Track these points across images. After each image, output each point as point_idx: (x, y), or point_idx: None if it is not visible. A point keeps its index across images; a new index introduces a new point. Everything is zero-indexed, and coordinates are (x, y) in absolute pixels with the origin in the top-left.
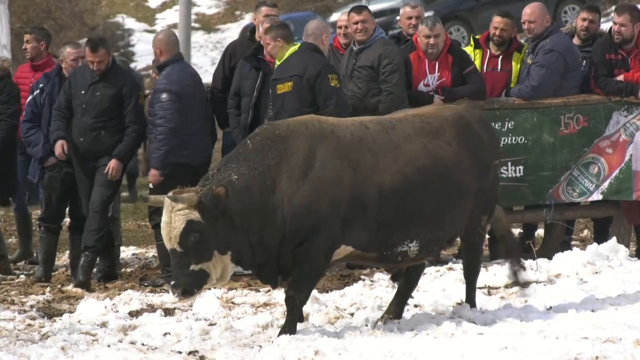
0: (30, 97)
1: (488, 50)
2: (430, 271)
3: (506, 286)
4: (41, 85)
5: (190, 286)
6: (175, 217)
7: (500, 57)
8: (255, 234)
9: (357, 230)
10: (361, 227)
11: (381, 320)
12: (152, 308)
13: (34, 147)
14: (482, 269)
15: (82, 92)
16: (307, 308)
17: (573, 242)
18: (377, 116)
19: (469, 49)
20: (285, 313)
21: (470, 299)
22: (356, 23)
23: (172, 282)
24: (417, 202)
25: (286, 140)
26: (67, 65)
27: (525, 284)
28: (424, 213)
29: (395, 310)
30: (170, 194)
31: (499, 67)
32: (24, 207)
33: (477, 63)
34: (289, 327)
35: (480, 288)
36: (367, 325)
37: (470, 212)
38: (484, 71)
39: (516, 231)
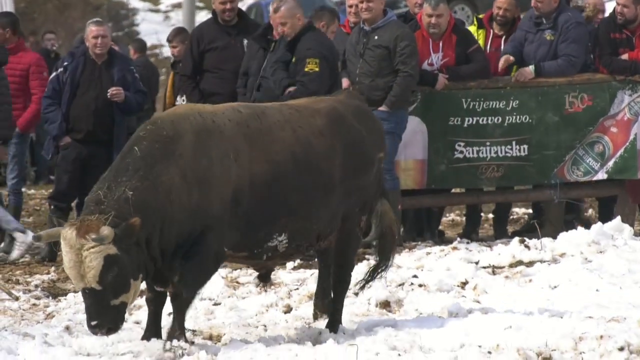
0: (53, 74)
1: (491, 30)
2: (434, 251)
3: (510, 265)
4: (65, 63)
5: (115, 322)
6: (88, 256)
7: (504, 37)
8: (155, 247)
9: (230, 229)
10: (234, 225)
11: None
12: None
13: (51, 124)
14: (487, 249)
15: None
16: (311, 288)
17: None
18: (244, 103)
19: (472, 29)
20: (173, 313)
21: (335, 319)
22: (362, 2)
23: (94, 323)
24: (284, 191)
25: (173, 141)
26: (89, 43)
27: (368, 282)
28: (290, 203)
29: (323, 304)
30: (68, 227)
31: (502, 47)
32: None
33: (481, 43)
34: (179, 327)
35: (484, 267)
36: (369, 304)
37: (345, 210)
38: (487, 51)
39: (521, 210)
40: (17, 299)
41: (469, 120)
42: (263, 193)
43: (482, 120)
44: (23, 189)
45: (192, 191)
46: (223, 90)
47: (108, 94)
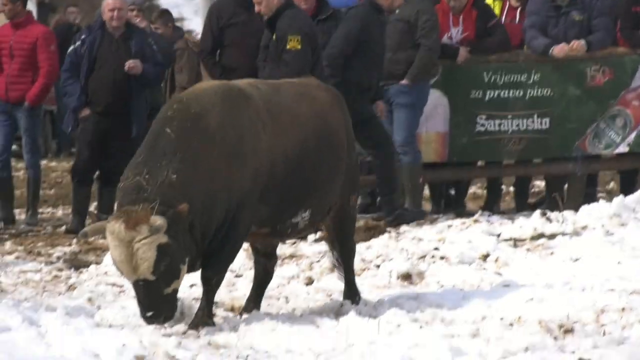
0: (71, 48)
1: (507, 2)
2: (456, 223)
3: (532, 238)
4: (83, 36)
5: (171, 310)
6: (141, 248)
7: (519, 8)
8: (197, 229)
9: (260, 205)
10: (264, 200)
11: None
12: None
13: (70, 97)
14: (508, 221)
15: None
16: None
17: (599, 194)
18: (259, 80)
19: (488, 0)
20: (203, 295)
21: (352, 290)
22: None
23: (150, 314)
24: (312, 167)
25: (202, 117)
26: (106, 17)
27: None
28: (314, 177)
29: (253, 306)
30: (114, 221)
31: (517, 19)
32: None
33: (496, 14)
34: (207, 309)
35: (506, 240)
36: (391, 276)
37: (341, 188)
38: (502, 22)
39: (542, 183)
40: None
41: (490, 94)
42: (293, 166)
43: (504, 94)
44: (44, 162)
45: (227, 167)
46: (244, 65)
47: (125, 67)
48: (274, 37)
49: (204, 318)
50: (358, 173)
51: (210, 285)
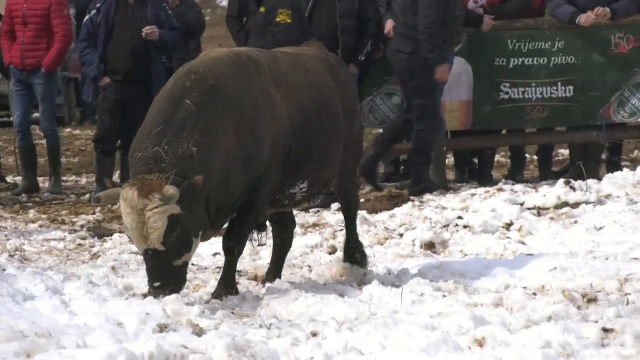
0: (87, 17)
1: None
2: (479, 192)
3: (556, 207)
4: (98, 5)
5: (178, 283)
6: (152, 216)
7: None
8: (213, 203)
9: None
10: (276, 170)
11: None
12: None
13: (88, 67)
14: (532, 190)
15: None
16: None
17: (623, 163)
18: (256, 48)
19: None
20: (225, 264)
21: (355, 234)
22: None
23: (157, 284)
24: (308, 135)
25: (219, 89)
26: None
27: None
28: (313, 147)
29: (274, 276)
30: (127, 188)
31: None
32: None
33: None
34: (229, 278)
35: (529, 209)
36: (414, 245)
37: (343, 159)
38: None
39: (566, 152)
40: None
41: (514, 61)
42: (299, 135)
43: (528, 61)
44: (68, 129)
45: (245, 139)
46: None
47: (142, 34)
48: (262, 8)
49: (226, 287)
50: (361, 144)
51: (233, 255)
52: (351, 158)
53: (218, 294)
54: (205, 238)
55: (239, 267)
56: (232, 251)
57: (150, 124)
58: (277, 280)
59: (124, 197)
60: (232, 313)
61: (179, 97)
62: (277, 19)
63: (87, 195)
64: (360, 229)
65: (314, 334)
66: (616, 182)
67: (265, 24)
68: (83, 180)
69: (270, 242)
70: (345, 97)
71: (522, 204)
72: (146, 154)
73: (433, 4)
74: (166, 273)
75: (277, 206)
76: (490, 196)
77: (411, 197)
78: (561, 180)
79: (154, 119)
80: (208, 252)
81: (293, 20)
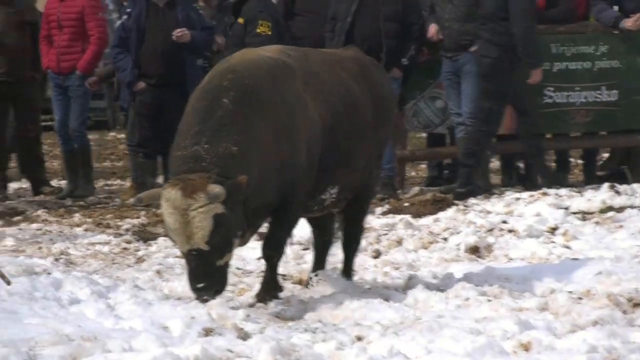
0: (119, 23)
1: None
2: (524, 196)
3: (601, 211)
4: (128, 10)
5: (222, 284)
6: (197, 216)
7: None
8: (250, 205)
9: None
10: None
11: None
12: None
13: (123, 72)
14: (577, 194)
15: None
16: (400, 233)
17: None
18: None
19: None
20: (267, 271)
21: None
22: None
23: (201, 285)
24: (343, 138)
25: (255, 91)
26: None
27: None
28: (344, 150)
29: (318, 268)
30: (170, 187)
31: None
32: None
33: None
34: (272, 282)
35: (574, 213)
36: (459, 249)
37: (367, 164)
38: None
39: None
40: (9, 283)
41: (558, 65)
42: (331, 138)
43: (572, 65)
44: (112, 134)
45: (281, 142)
46: (312, 34)
47: (173, 36)
48: (240, 20)
49: (270, 291)
50: (385, 150)
51: (272, 262)
52: (375, 160)
53: (262, 298)
54: (243, 241)
55: (283, 271)
56: (272, 259)
57: (188, 123)
58: (322, 284)
59: (167, 197)
60: (277, 317)
61: (216, 95)
62: (258, 30)
63: (132, 199)
64: (405, 233)
65: (359, 338)
66: None
67: (243, 35)
68: (127, 184)
69: (308, 244)
70: (377, 100)
71: (567, 208)
72: (185, 153)
73: (526, 10)
74: (209, 274)
75: (307, 212)
76: (535, 200)
77: (455, 201)
78: (606, 185)
79: (191, 118)
80: (252, 256)
81: (273, 33)
